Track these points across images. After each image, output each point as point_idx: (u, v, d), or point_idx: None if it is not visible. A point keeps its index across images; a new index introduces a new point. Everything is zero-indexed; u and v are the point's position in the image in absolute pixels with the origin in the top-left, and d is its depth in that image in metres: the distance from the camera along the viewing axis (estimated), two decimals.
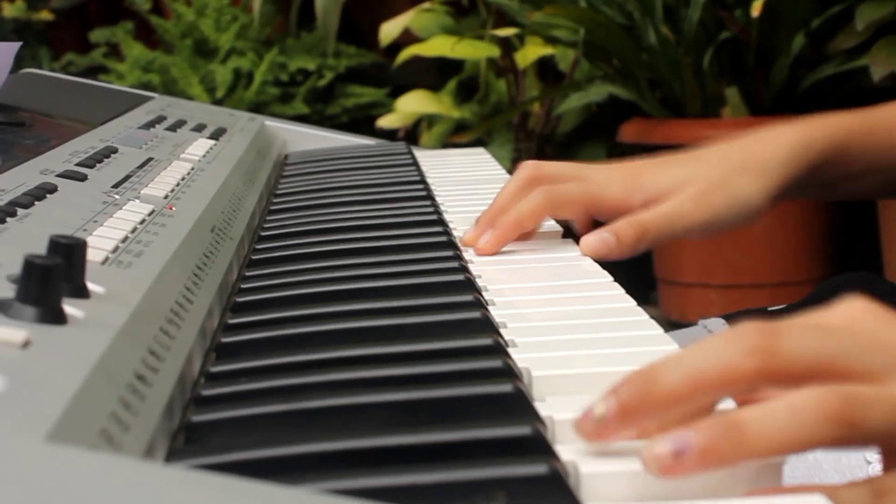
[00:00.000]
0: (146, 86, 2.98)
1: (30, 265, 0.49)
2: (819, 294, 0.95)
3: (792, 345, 0.46)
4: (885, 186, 0.99)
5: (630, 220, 0.86)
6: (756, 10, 2.07)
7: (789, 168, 0.91)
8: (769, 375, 0.45)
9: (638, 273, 2.46)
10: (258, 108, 2.94)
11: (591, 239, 0.85)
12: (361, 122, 3.08)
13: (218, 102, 2.91)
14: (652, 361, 0.47)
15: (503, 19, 2.62)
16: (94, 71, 3.22)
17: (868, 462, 0.79)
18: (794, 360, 0.46)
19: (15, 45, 1.15)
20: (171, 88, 3.00)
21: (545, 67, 2.72)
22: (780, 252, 2.28)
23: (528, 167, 0.90)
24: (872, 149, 0.95)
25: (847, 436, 0.44)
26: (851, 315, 0.49)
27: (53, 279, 0.49)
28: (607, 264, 0.82)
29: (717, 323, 0.91)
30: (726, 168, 0.90)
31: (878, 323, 0.49)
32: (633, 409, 0.46)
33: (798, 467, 0.79)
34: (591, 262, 0.82)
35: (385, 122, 2.70)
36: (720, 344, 0.46)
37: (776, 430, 0.44)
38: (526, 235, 0.88)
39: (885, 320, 0.49)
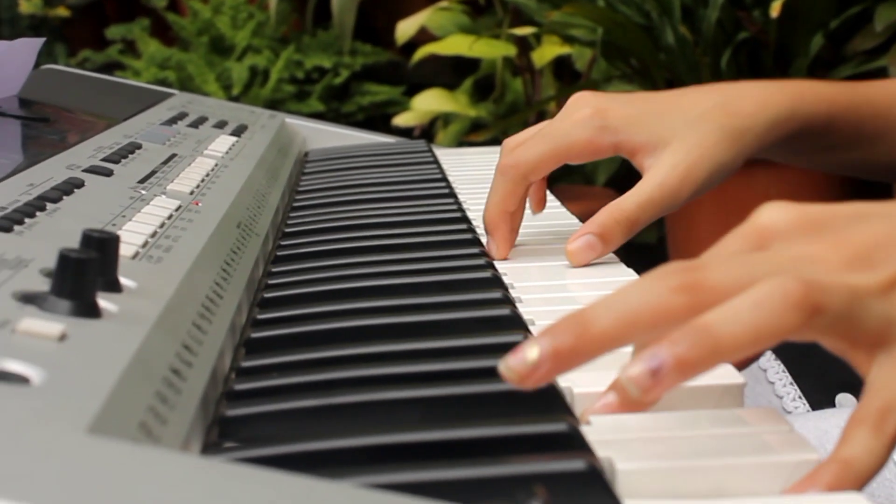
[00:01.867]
0: (162, 83, 2.98)
1: (65, 259, 0.49)
2: None
3: (717, 274, 0.47)
4: (863, 164, 0.97)
5: (616, 217, 0.82)
6: (775, 10, 2.06)
7: (768, 133, 0.87)
8: (700, 308, 0.46)
9: (654, 261, 2.45)
10: (274, 105, 2.95)
11: (576, 246, 0.81)
12: (377, 120, 3.08)
13: (234, 100, 2.92)
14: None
15: (520, 18, 2.62)
16: (109, 67, 3.23)
17: (894, 462, 0.79)
18: (723, 287, 0.46)
19: (38, 42, 1.15)
20: (187, 85, 3.00)
21: (562, 67, 2.72)
22: None
23: (510, 166, 0.85)
24: (854, 123, 0.92)
25: (811, 323, 0.45)
26: (766, 229, 0.51)
27: (88, 273, 0.50)
28: (623, 261, 0.81)
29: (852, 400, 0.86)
30: (706, 129, 0.85)
31: (798, 234, 0.50)
32: (567, 352, 0.46)
33: (809, 439, 0.79)
34: (617, 260, 0.82)
35: (401, 120, 2.70)
36: (647, 285, 0.47)
37: (744, 325, 0.44)
38: (517, 219, 0.85)
39: (803, 228, 0.50)
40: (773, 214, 0.51)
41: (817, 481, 0.45)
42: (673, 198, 0.84)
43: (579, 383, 0.56)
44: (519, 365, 0.46)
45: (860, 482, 0.46)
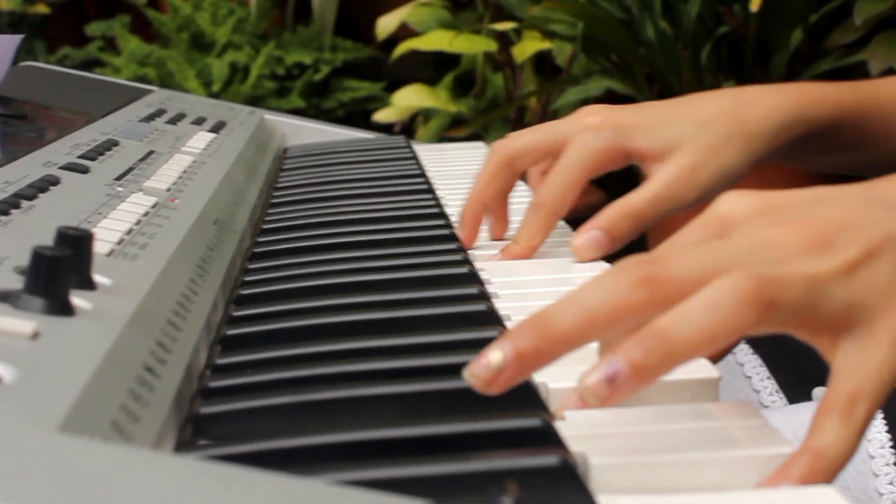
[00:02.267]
0: (142, 79, 2.97)
1: (38, 256, 0.49)
2: None
3: (676, 266, 0.47)
4: (860, 163, 0.97)
5: (623, 211, 0.83)
6: (754, 5, 2.06)
7: (776, 138, 0.88)
8: (661, 302, 0.46)
9: None
10: (254, 101, 2.94)
11: (583, 241, 0.81)
12: (358, 116, 3.08)
13: (214, 96, 2.91)
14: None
15: (500, 13, 2.62)
16: (89, 64, 3.22)
17: (871, 457, 0.79)
18: (682, 279, 0.46)
19: (16, 38, 1.14)
20: (167, 82, 2.99)
21: (542, 62, 2.72)
22: None
23: (497, 150, 0.87)
24: (860, 123, 0.92)
25: (767, 318, 0.45)
26: (726, 217, 0.51)
27: (61, 270, 0.49)
28: (608, 256, 0.82)
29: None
30: (714, 133, 0.86)
31: (757, 221, 0.50)
32: (530, 355, 0.46)
33: (784, 432, 0.79)
34: None
35: (381, 116, 2.69)
36: (606, 281, 0.47)
37: (699, 326, 0.44)
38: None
39: (763, 214, 0.50)
40: (733, 202, 0.51)
41: (789, 474, 0.45)
42: (679, 197, 0.85)
43: (554, 378, 0.56)
44: (482, 371, 0.46)
45: (832, 471, 0.46)
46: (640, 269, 0.47)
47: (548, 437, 0.47)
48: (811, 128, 0.90)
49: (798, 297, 0.46)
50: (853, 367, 0.47)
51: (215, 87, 2.99)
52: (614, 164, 0.86)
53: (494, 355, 0.46)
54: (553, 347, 0.46)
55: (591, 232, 0.81)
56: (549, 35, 2.42)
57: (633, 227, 0.83)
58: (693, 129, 0.86)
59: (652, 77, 2.33)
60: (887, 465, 0.78)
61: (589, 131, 0.85)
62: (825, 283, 0.47)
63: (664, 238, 0.52)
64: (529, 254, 0.83)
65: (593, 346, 0.49)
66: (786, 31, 2.19)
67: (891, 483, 0.78)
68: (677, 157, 0.85)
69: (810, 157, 0.96)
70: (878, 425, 0.79)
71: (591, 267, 0.80)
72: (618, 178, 0.89)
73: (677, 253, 0.48)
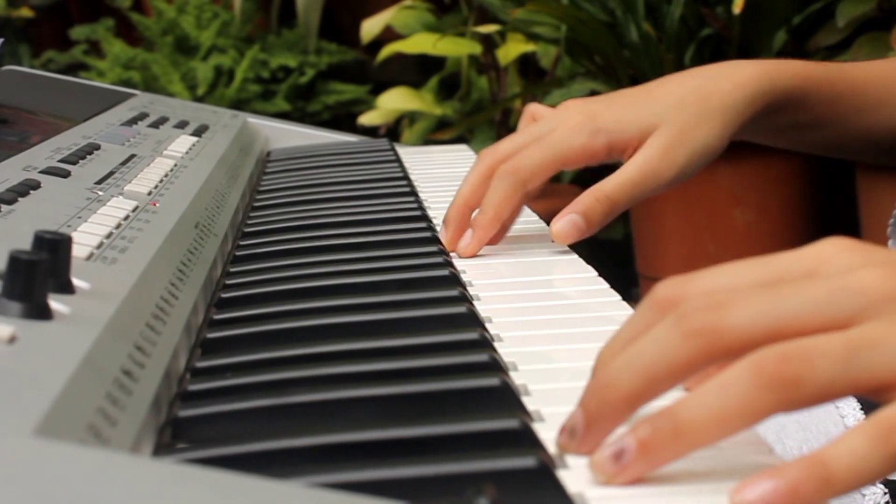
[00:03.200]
0: (127, 83, 2.97)
1: (15, 260, 0.49)
2: None
3: (737, 318, 0.44)
4: (833, 141, 0.97)
5: (597, 195, 0.84)
6: (737, 6, 2.07)
7: (748, 109, 0.89)
8: (718, 354, 0.44)
9: (619, 269, 2.46)
10: (239, 105, 2.94)
11: (560, 225, 0.82)
12: (343, 119, 3.08)
13: (199, 100, 2.91)
14: (601, 359, 0.47)
15: (485, 16, 2.62)
16: (74, 68, 3.21)
17: (841, 416, 0.79)
18: (742, 333, 0.44)
19: None
20: (151, 86, 2.99)
21: (527, 64, 2.73)
22: (762, 248, 2.29)
23: (486, 156, 0.87)
24: (831, 100, 0.93)
25: (791, 398, 0.42)
26: (821, 257, 0.47)
27: (39, 274, 0.49)
28: (589, 257, 0.82)
29: (850, 406, 0.82)
30: (686, 112, 0.87)
31: (853, 259, 0.46)
32: (599, 418, 0.46)
33: (767, 433, 0.80)
34: (576, 257, 0.83)
35: (366, 119, 2.69)
36: (663, 334, 0.45)
37: (710, 411, 0.43)
38: (504, 227, 0.87)
39: (860, 255, 0.46)
40: (829, 247, 0.47)
41: (781, 475, 0.41)
42: (654, 179, 0.86)
43: (536, 380, 0.56)
44: (565, 439, 0.46)
45: (831, 486, 0.41)
46: (700, 317, 0.44)
47: (526, 439, 0.47)
48: (781, 98, 0.90)
49: (833, 370, 0.42)
50: None
51: (200, 91, 2.99)
52: (595, 159, 0.87)
53: (570, 423, 0.46)
54: (617, 412, 0.46)
55: (569, 216, 0.83)
56: (532, 37, 2.43)
57: (608, 210, 0.84)
58: (665, 110, 0.87)
59: (636, 79, 2.34)
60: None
61: (573, 128, 0.86)
62: (884, 343, 0.43)
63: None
64: (497, 222, 0.84)
65: (580, 346, 0.49)
66: (769, 33, 2.19)
67: (873, 482, 0.78)
68: (651, 140, 0.86)
69: (779, 133, 0.96)
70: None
71: (572, 268, 0.80)
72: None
73: (741, 296, 0.45)
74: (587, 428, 0.46)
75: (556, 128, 0.87)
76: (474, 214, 0.86)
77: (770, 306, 0.44)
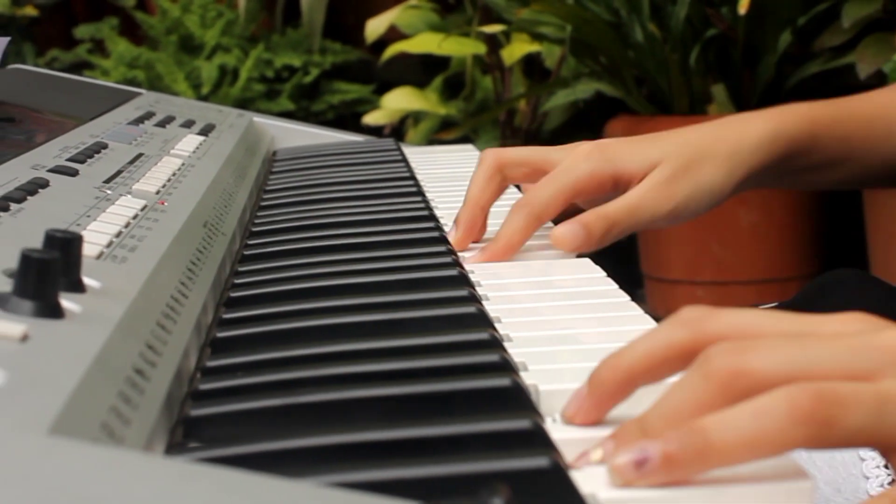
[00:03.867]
0: (131, 82, 2.97)
1: (27, 259, 0.49)
2: (809, 292, 0.95)
3: (762, 364, 0.44)
4: (850, 177, 0.99)
5: (599, 214, 0.85)
6: (743, 7, 2.07)
7: (756, 156, 0.91)
8: (742, 397, 0.44)
9: (625, 270, 2.46)
10: (243, 104, 2.94)
11: (562, 230, 0.84)
12: (347, 118, 3.08)
13: (203, 99, 2.91)
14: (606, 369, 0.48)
15: (489, 16, 2.62)
16: (78, 67, 3.21)
17: (861, 459, 0.79)
18: (767, 378, 0.44)
19: (3, 41, 1.14)
20: (156, 85, 2.99)
21: (531, 64, 2.73)
22: (766, 248, 2.29)
23: (489, 156, 0.90)
24: (841, 138, 0.94)
25: (821, 435, 0.43)
26: (846, 320, 0.48)
27: (50, 273, 0.49)
28: (595, 258, 0.82)
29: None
30: (692, 152, 0.89)
31: (871, 324, 0.47)
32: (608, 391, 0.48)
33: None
34: (586, 258, 0.83)
35: (371, 118, 2.69)
36: (691, 381, 0.45)
37: (741, 434, 0.43)
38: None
39: (884, 322, 0.47)
40: (853, 314, 0.48)
41: None
42: (652, 208, 0.88)
43: (546, 380, 0.56)
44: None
45: None
46: (729, 358, 0.45)
47: (538, 440, 0.47)
48: (790, 144, 0.93)
49: (861, 419, 0.43)
50: None
51: (204, 90, 2.99)
52: (602, 188, 0.88)
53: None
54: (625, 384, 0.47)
55: (571, 225, 0.84)
56: (537, 38, 2.43)
57: (608, 230, 0.85)
58: (673, 149, 0.90)
59: (641, 79, 2.34)
60: (878, 467, 0.78)
61: (580, 156, 0.88)
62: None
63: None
64: (509, 253, 0.84)
65: (589, 347, 0.49)
66: (774, 34, 2.19)
67: (881, 486, 0.78)
68: (654, 172, 0.89)
69: (796, 176, 0.98)
70: None
71: (580, 269, 0.80)
72: None
73: (769, 341, 0.45)
74: (592, 400, 0.48)
75: (568, 158, 0.89)
76: (486, 235, 0.88)
77: (793, 355, 0.45)
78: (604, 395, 0.48)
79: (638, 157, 0.89)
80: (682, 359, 0.47)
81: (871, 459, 0.78)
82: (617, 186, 0.89)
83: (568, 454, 0.47)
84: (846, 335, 0.46)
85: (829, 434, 0.43)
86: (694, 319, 0.47)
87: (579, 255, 0.85)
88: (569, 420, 0.49)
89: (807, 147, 0.93)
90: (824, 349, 0.45)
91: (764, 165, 0.92)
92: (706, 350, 0.46)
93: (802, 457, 0.78)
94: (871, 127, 0.95)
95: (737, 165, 0.90)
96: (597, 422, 0.49)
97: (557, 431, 0.49)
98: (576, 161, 0.88)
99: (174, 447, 0.49)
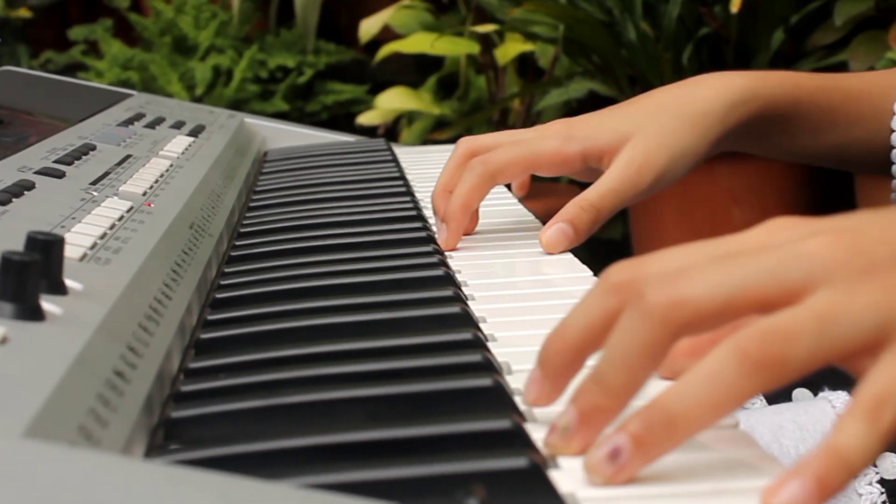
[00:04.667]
0: (125, 83, 2.97)
1: (7, 262, 0.49)
2: None
3: (693, 289, 0.45)
4: (831, 149, 0.96)
5: (581, 204, 0.85)
6: (735, 6, 2.07)
7: (732, 113, 0.89)
8: (684, 328, 0.45)
9: (619, 257, 2.45)
10: (238, 105, 2.94)
11: (550, 233, 0.84)
12: (341, 118, 3.07)
13: (197, 100, 2.90)
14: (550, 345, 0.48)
15: (483, 16, 2.62)
16: (72, 68, 3.21)
17: (836, 413, 0.79)
18: (703, 304, 0.44)
19: None
20: (150, 86, 2.99)
21: (525, 64, 2.72)
22: None
23: (463, 143, 0.91)
24: (824, 108, 0.93)
25: (776, 376, 0.43)
26: (770, 231, 0.48)
27: (30, 276, 0.49)
28: (588, 258, 0.82)
29: (841, 396, 0.82)
30: (664, 118, 0.88)
31: (795, 230, 0.47)
32: (591, 414, 0.46)
33: (764, 433, 0.80)
34: (571, 256, 0.83)
35: (365, 118, 2.69)
36: (630, 323, 0.45)
37: (701, 400, 0.43)
38: (476, 215, 0.89)
39: (807, 226, 0.47)
40: (776, 223, 0.49)
41: (804, 472, 0.42)
42: (634, 186, 0.87)
43: (519, 360, 0.56)
44: (555, 441, 0.47)
45: (851, 471, 0.43)
46: (659, 295, 0.45)
47: (518, 439, 0.47)
48: (769, 105, 0.90)
49: (810, 343, 0.43)
50: (884, 373, 0.44)
51: (198, 91, 2.99)
52: (570, 166, 0.88)
53: (563, 421, 0.47)
54: (608, 409, 0.47)
55: (557, 225, 0.84)
56: (530, 37, 2.43)
57: (594, 218, 0.85)
58: (644, 118, 0.88)
59: (634, 78, 2.34)
60: (870, 483, 0.78)
61: (549, 132, 0.89)
62: (853, 312, 0.44)
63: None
64: (465, 211, 0.86)
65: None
66: (766, 32, 2.19)
67: (870, 483, 0.78)
68: (628, 146, 0.87)
69: (774, 141, 0.95)
70: None
71: (567, 267, 0.80)
72: None
73: (695, 270, 0.45)
74: (579, 426, 0.46)
75: (536, 131, 0.89)
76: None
77: (725, 276, 0.45)
78: (556, 374, 0.48)
79: (608, 132, 0.88)
80: None
81: (863, 476, 0.78)
82: (587, 162, 0.88)
83: (545, 426, 0.47)
84: (773, 246, 0.46)
85: (783, 372, 0.43)
86: (623, 283, 0.47)
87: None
88: (532, 404, 0.49)
89: (788, 110, 0.91)
90: (754, 265, 0.45)
91: (741, 123, 0.89)
92: (638, 286, 0.45)
93: (791, 455, 0.78)
94: (857, 101, 0.93)
95: (711, 124, 0.88)
96: (557, 398, 0.49)
97: (540, 431, 0.49)
98: (543, 135, 0.88)
99: (154, 449, 0.49)
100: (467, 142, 0.91)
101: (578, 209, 0.85)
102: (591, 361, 0.48)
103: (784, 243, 0.46)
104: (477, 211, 0.89)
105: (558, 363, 0.48)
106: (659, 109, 0.89)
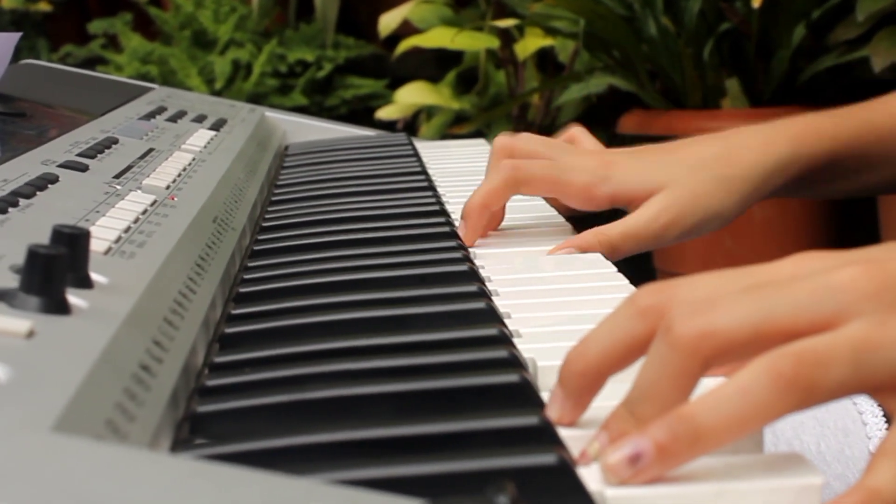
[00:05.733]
0: (144, 77, 2.97)
1: (33, 255, 0.49)
2: None
3: (725, 321, 0.44)
4: (865, 186, 0.97)
5: (599, 238, 0.84)
6: (756, 1, 2.06)
7: (772, 179, 0.89)
8: (713, 359, 0.44)
9: (637, 264, 2.45)
10: (257, 99, 2.94)
11: (558, 254, 0.83)
12: (360, 113, 3.07)
13: (216, 94, 2.91)
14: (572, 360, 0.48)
15: (503, 10, 2.61)
16: (92, 62, 3.21)
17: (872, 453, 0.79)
18: (733, 334, 0.44)
19: (15, 36, 1.14)
20: (169, 80, 2.99)
21: (545, 59, 2.72)
22: (780, 244, 2.28)
23: (500, 140, 0.89)
24: (859, 155, 0.92)
25: (806, 399, 0.43)
26: (799, 263, 0.48)
27: (57, 269, 0.49)
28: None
29: (868, 403, 0.82)
30: (700, 176, 0.86)
31: (824, 262, 0.47)
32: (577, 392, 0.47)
33: (785, 430, 0.79)
34: (597, 253, 0.82)
35: (384, 113, 2.69)
36: (660, 353, 0.45)
37: (729, 414, 0.43)
38: (496, 217, 0.88)
39: (835, 258, 0.47)
40: (804, 255, 0.48)
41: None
42: (657, 239, 0.86)
43: (545, 356, 0.56)
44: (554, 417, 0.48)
45: None
46: (689, 324, 0.44)
47: (546, 436, 0.47)
48: (808, 164, 0.90)
49: (843, 370, 0.43)
50: None
51: (218, 85, 2.99)
52: (595, 203, 0.87)
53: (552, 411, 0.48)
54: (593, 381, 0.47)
55: (567, 250, 0.83)
56: (550, 32, 2.42)
57: (607, 253, 0.83)
58: (682, 171, 0.87)
59: (654, 73, 2.33)
60: None
61: (584, 167, 0.87)
62: (888, 346, 0.44)
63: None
64: (485, 211, 0.85)
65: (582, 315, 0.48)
66: (788, 28, 2.18)
67: (875, 416, 0.78)
68: (661, 196, 0.86)
69: (813, 189, 0.96)
70: (881, 423, 0.79)
71: (592, 264, 0.79)
72: None
73: (725, 299, 0.45)
74: (568, 407, 0.48)
75: (574, 158, 0.88)
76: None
77: (755, 307, 0.45)
78: (578, 394, 0.48)
79: (641, 178, 0.86)
80: (646, 347, 0.46)
81: (870, 406, 0.78)
82: (614, 204, 0.87)
83: (576, 449, 0.46)
84: (802, 278, 0.46)
85: (813, 396, 0.43)
86: (652, 309, 0.47)
87: None
88: (557, 423, 0.48)
89: (824, 166, 0.91)
90: (784, 297, 0.45)
91: (778, 187, 0.90)
92: (666, 317, 0.45)
93: (811, 451, 0.78)
94: (890, 139, 0.93)
95: (751, 190, 0.88)
96: (580, 416, 0.49)
97: (566, 428, 0.49)
98: (579, 166, 0.87)
99: (180, 444, 0.49)
100: (504, 139, 0.89)
101: (596, 242, 0.83)
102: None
103: (813, 274, 0.46)
104: (503, 208, 0.88)
105: (579, 384, 0.48)
106: (698, 165, 0.87)
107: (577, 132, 0.96)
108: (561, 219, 0.93)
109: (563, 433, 0.48)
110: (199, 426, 0.51)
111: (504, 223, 0.89)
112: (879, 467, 0.43)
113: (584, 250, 0.83)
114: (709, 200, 0.86)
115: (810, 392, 0.43)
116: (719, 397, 0.43)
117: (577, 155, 0.89)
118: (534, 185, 0.86)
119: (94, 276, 0.55)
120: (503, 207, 0.88)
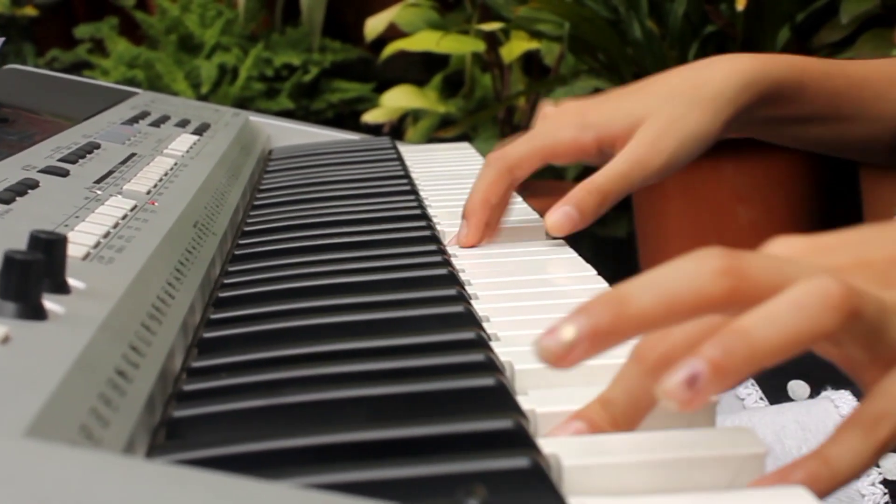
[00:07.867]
0: (131, 81, 2.97)
1: (9, 261, 0.49)
2: None
3: (757, 265, 0.44)
4: (840, 138, 0.97)
5: (588, 188, 0.85)
6: (741, 3, 2.07)
7: (741, 96, 0.89)
8: (740, 296, 0.44)
9: (623, 265, 2.45)
10: (243, 103, 2.94)
11: (554, 217, 0.84)
12: (347, 117, 3.07)
13: (203, 98, 2.91)
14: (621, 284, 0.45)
15: (488, 14, 2.62)
16: (78, 67, 3.21)
17: (840, 416, 0.79)
18: (763, 278, 0.44)
19: None
20: (155, 84, 2.99)
21: (530, 62, 2.72)
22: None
23: (490, 155, 0.90)
24: (829, 93, 0.93)
25: (849, 327, 0.43)
26: (784, 254, 0.49)
27: (33, 275, 0.49)
28: (593, 256, 0.82)
29: (844, 395, 0.82)
30: (675, 101, 0.88)
31: (812, 256, 0.49)
32: (605, 332, 0.43)
33: (766, 434, 0.80)
34: (576, 255, 0.82)
35: (370, 116, 2.69)
36: (690, 266, 0.44)
37: (783, 328, 0.42)
38: (497, 219, 0.88)
39: (817, 252, 0.49)
40: (785, 244, 0.50)
41: (790, 475, 0.43)
42: (643, 169, 0.86)
43: (543, 403, 0.55)
44: (554, 345, 0.43)
45: (836, 481, 0.44)
46: (725, 258, 0.44)
47: (519, 439, 0.47)
48: (776, 88, 0.90)
49: (874, 316, 0.44)
50: (889, 390, 0.45)
51: (204, 89, 2.99)
52: (585, 154, 0.88)
53: (567, 330, 0.43)
54: (627, 326, 0.44)
55: (562, 208, 0.84)
56: (536, 35, 2.43)
57: (600, 202, 0.85)
58: (656, 101, 0.88)
59: (639, 76, 2.33)
60: (872, 484, 0.78)
61: (563, 122, 0.88)
62: (892, 312, 0.45)
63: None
64: (485, 208, 0.85)
65: (592, 364, 0.47)
66: (772, 30, 2.19)
67: (872, 484, 0.78)
68: (640, 131, 0.87)
69: (782, 127, 0.96)
70: None
71: (571, 267, 0.80)
72: None
73: (757, 253, 0.46)
74: (588, 339, 0.43)
75: (549, 121, 0.89)
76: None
77: (783, 264, 0.45)
78: (602, 340, 0.44)
79: (621, 119, 0.88)
80: (712, 311, 0.45)
81: (866, 476, 0.78)
82: (602, 149, 0.88)
83: (547, 426, 0.48)
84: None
85: (852, 327, 0.43)
86: (732, 269, 0.44)
87: (576, 237, 0.85)
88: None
89: (794, 94, 0.91)
90: (805, 266, 0.46)
91: (751, 104, 0.90)
92: (702, 251, 0.45)
93: (793, 455, 0.78)
94: (861, 87, 0.94)
95: (722, 106, 0.88)
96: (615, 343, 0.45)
97: (529, 403, 0.50)
98: (558, 125, 0.88)
99: (156, 449, 0.49)
100: (493, 152, 0.90)
101: (585, 193, 0.85)
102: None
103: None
104: (505, 204, 0.88)
105: (648, 313, 0.45)
106: (670, 93, 0.89)
107: (548, 108, 0.96)
108: (540, 219, 0.93)
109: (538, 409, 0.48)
110: (175, 431, 0.51)
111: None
112: (841, 436, 0.44)
113: (578, 205, 0.84)
114: (685, 123, 0.87)
115: (851, 320, 0.43)
116: (774, 310, 0.43)
117: (552, 118, 0.90)
118: (525, 163, 0.87)
119: (71, 281, 0.55)
120: (505, 204, 0.88)
